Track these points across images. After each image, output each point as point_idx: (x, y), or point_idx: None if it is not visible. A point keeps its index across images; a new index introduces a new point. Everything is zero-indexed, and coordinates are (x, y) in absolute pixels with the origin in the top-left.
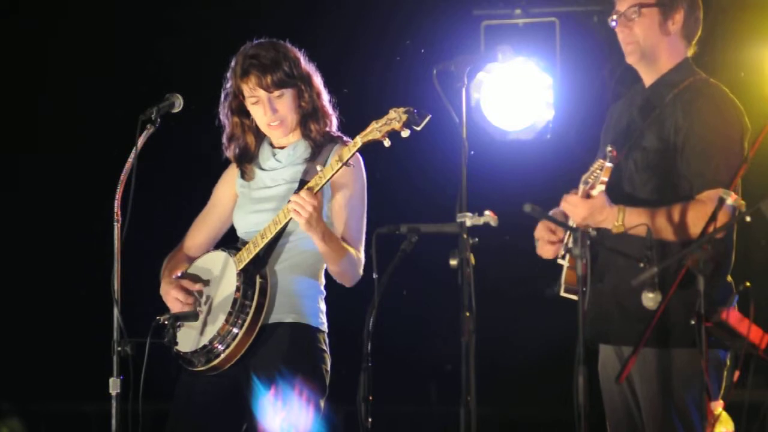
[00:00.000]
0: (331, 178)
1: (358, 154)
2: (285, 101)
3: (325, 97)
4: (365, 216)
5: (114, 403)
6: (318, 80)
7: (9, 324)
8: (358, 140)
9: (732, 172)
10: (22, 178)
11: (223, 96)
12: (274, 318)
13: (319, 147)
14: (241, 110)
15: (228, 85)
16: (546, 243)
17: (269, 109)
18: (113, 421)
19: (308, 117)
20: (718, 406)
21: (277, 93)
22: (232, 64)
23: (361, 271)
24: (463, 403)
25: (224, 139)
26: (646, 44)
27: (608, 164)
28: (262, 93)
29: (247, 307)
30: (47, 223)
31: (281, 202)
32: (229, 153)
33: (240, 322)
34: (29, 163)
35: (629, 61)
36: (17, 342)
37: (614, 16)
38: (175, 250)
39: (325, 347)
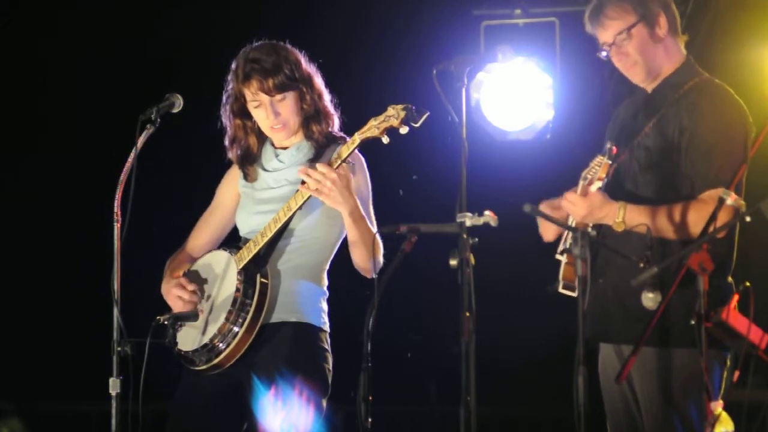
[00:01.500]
0: None
1: (357, 150)
2: (287, 104)
3: (327, 97)
4: (371, 206)
5: (114, 403)
6: (319, 81)
7: (9, 324)
8: (357, 137)
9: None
10: (23, 178)
11: (224, 98)
12: (277, 318)
13: (322, 148)
14: (242, 112)
15: (229, 88)
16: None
17: (271, 113)
18: (113, 421)
19: (310, 118)
20: (717, 406)
21: (279, 97)
22: (233, 67)
23: (381, 258)
24: (463, 403)
25: (226, 142)
26: (647, 59)
27: (607, 161)
28: (264, 97)
29: (247, 306)
30: (47, 223)
31: (284, 203)
32: (232, 155)
33: (240, 320)
34: (29, 163)
35: (636, 82)
36: (17, 342)
37: (603, 48)
38: (178, 251)
39: (327, 346)
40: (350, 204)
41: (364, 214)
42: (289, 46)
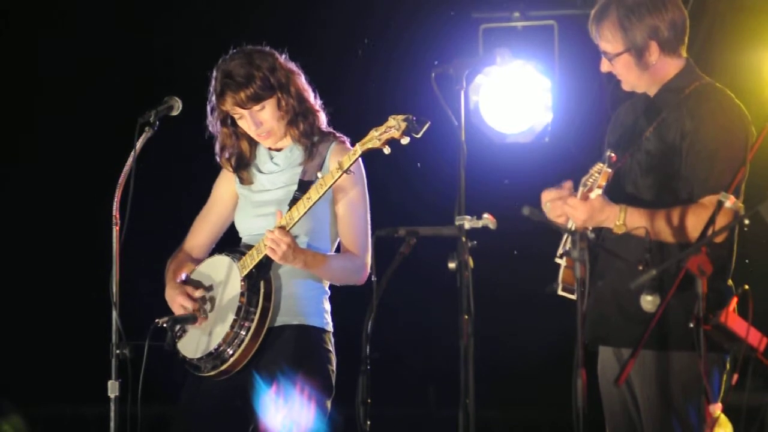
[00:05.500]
0: (330, 186)
1: (359, 159)
2: (267, 113)
3: (310, 94)
4: (368, 218)
5: (113, 406)
6: (299, 80)
7: (8, 326)
8: (358, 148)
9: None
10: (21, 180)
11: (209, 109)
12: (280, 321)
13: (314, 146)
14: (229, 120)
15: (212, 99)
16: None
17: (253, 124)
18: (112, 424)
19: (293, 121)
20: (716, 409)
21: (256, 107)
22: (212, 79)
23: (366, 273)
24: (462, 405)
25: (216, 149)
26: (631, 79)
27: (606, 168)
28: (241, 110)
29: (251, 313)
30: (46, 225)
31: (282, 206)
32: (223, 161)
33: (246, 326)
34: (28, 165)
35: (624, 89)
36: (16, 344)
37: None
38: (177, 252)
39: (330, 347)
40: (300, 261)
41: (360, 218)
42: (264, 50)
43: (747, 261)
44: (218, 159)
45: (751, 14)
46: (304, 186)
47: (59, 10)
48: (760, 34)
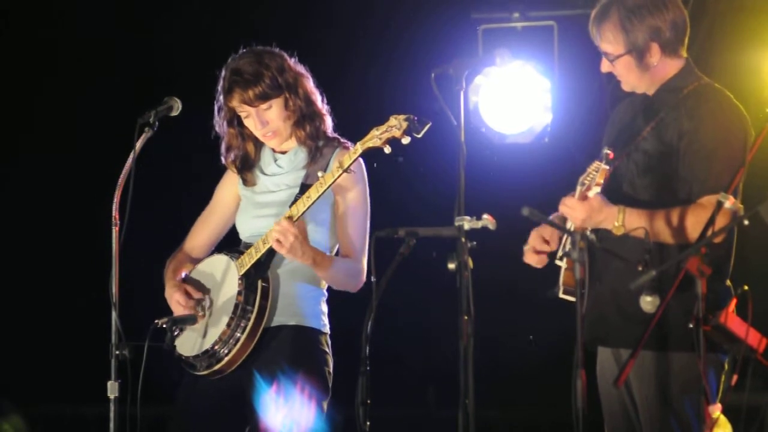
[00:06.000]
0: (330, 185)
1: (359, 159)
2: (274, 112)
3: (317, 98)
4: (368, 220)
5: (112, 407)
6: (307, 83)
7: (8, 327)
8: (359, 147)
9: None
10: (21, 181)
11: (216, 109)
12: (277, 321)
13: (318, 150)
14: (236, 121)
15: (220, 98)
16: (532, 252)
17: (259, 123)
18: (111, 425)
19: (298, 123)
20: (716, 410)
21: (264, 106)
22: (220, 78)
23: (363, 279)
24: (462, 406)
25: (222, 150)
26: (631, 80)
27: (604, 166)
28: (248, 108)
29: (248, 312)
30: (46, 226)
31: (283, 207)
32: (228, 162)
33: (242, 326)
34: (27, 166)
35: (624, 89)
36: (16, 345)
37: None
38: (176, 252)
39: (327, 349)
40: (309, 257)
41: (359, 220)
42: (274, 51)
43: (746, 262)
44: (223, 160)
45: (751, 14)
46: (306, 189)
47: (59, 9)
48: (760, 34)
